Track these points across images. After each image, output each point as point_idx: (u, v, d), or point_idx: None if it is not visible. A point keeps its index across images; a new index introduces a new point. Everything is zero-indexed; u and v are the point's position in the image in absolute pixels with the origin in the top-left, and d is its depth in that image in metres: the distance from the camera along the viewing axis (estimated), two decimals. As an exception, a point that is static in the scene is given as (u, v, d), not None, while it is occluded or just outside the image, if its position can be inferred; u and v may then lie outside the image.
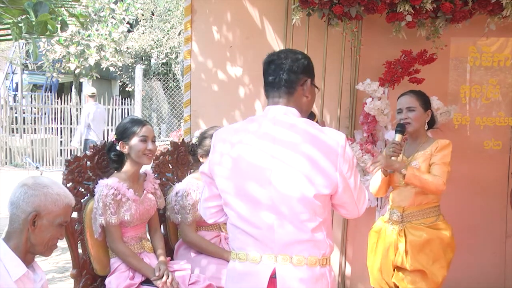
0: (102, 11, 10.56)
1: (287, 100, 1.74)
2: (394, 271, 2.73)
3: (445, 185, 2.55)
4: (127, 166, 2.60)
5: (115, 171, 2.62)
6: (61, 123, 12.20)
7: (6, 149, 11.87)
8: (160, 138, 12.28)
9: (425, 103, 2.73)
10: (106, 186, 2.46)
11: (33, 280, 1.74)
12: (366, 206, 1.82)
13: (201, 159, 2.91)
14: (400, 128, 2.69)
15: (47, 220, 1.73)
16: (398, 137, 2.67)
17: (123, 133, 2.58)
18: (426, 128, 2.75)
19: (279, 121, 1.71)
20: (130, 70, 14.06)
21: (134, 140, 2.56)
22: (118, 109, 12.24)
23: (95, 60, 11.06)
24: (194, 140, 3.00)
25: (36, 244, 1.74)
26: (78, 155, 2.53)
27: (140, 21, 13.36)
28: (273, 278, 1.66)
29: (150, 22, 13.69)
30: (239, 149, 1.71)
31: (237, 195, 1.72)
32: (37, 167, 5.85)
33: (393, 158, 2.63)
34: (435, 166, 2.60)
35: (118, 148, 2.58)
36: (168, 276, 2.48)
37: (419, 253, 2.63)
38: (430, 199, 2.67)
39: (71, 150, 12.01)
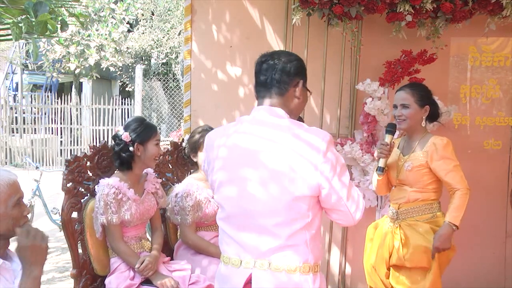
0: (102, 11, 10.56)
1: (277, 100, 1.71)
2: (389, 270, 2.69)
3: (467, 185, 2.56)
4: (135, 168, 2.59)
5: (117, 171, 2.61)
6: (61, 123, 12.21)
7: (6, 149, 11.88)
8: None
9: (422, 98, 2.61)
10: (108, 185, 2.46)
11: (11, 269, 1.69)
12: (364, 208, 1.72)
13: (194, 159, 2.94)
14: (390, 128, 2.62)
15: (4, 207, 1.67)
16: (388, 138, 2.61)
17: (139, 135, 2.55)
18: (424, 124, 2.64)
19: (265, 122, 1.68)
20: (130, 70, 14.06)
21: (151, 144, 2.56)
22: (118, 109, 12.24)
23: (95, 60, 11.06)
24: (185, 145, 3.05)
25: (3, 233, 1.68)
26: (78, 155, 2.53)
27: (140, 21, 13.36)
28: (249, 283, 1.64)
29: (150, 22, 13.68)
30: (223, 159, 1.71)
31: (224, 201, 1.73)
32: (37, 167, 5.83)
33: (381, 159, 2.61)
34: (450, 174, 2.53)
35: (131, 149, 2.54)
36: (149, 268, 2.47)
37: (417, 249, 2.56)
38: (426, 196, 2.61)
39: (71, 150, 12.03)
